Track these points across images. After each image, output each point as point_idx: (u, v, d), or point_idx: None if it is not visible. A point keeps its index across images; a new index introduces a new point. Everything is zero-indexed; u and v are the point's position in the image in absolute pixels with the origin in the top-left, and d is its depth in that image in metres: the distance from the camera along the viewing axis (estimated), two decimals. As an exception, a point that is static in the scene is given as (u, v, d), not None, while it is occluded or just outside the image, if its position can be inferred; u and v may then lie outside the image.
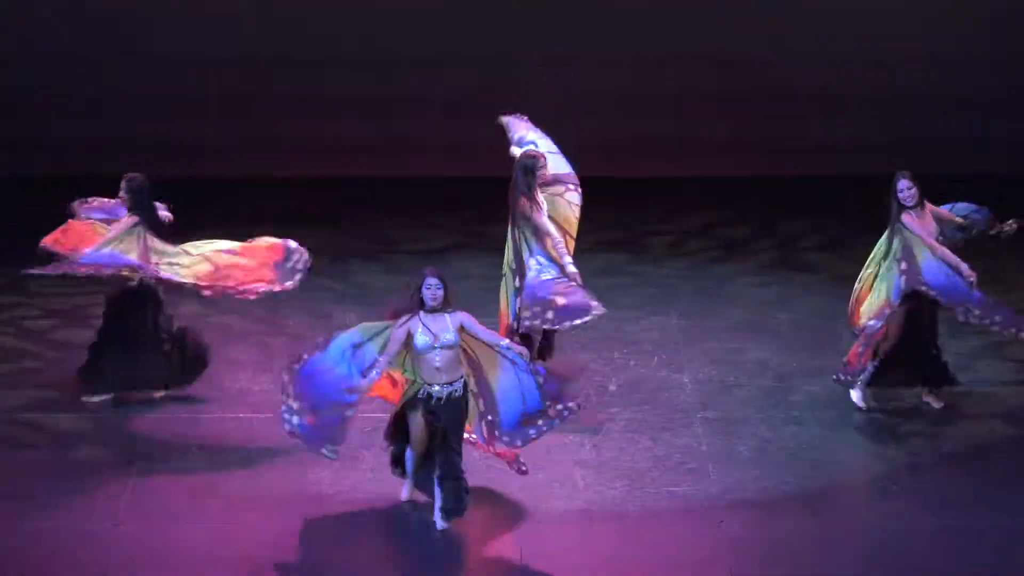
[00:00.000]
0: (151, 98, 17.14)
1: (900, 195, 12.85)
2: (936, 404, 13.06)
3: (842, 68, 17.23)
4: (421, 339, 11.07)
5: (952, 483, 12.00)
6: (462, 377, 11.20)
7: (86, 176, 16.48)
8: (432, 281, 11.11)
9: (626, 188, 16.08)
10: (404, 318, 11.13)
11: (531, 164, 12.87)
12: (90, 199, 13.07)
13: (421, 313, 11.10)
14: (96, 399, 12.97)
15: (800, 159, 17.13)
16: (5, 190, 16.86)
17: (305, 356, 11.21)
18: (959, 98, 17.35)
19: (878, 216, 16.29)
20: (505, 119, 13.49)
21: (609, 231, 15.74)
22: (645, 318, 14.22)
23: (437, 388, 11.14)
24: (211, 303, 14.44)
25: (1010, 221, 13.08)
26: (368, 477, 11.98)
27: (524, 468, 11.48)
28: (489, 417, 11.31)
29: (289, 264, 12.89)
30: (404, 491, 11.63)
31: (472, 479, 11.69)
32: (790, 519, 11.57)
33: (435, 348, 11.05)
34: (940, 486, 11.98)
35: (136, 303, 12.89)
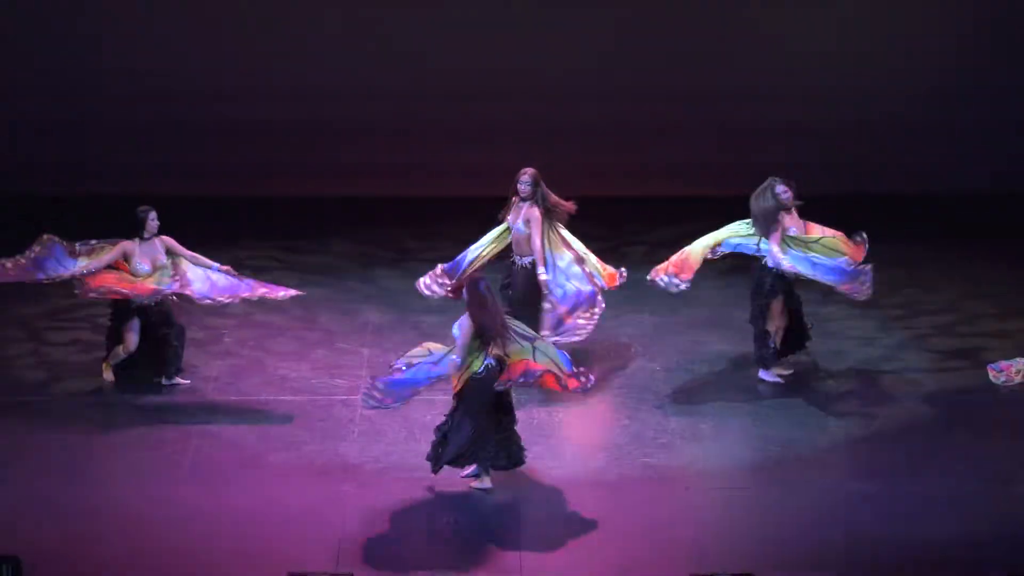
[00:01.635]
0: (208, 126, 17.16)
1: (780, 197, 13.01)
2: (786, 372, 13.25)
3: (794, 104, 17.24)
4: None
5: (881, 455, 12.06)
6: None
7: (145, 195, 16.82)
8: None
9: (608, 206, 16.11)
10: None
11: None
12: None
13: None
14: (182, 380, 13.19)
15: (754, 181, 17.23)
16: (77, 207, 16.95)
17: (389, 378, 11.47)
18: (898, 127, 17.38)
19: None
20: None
21: (593, 242, 15.77)
22: (623, 316, 14.25)
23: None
24: (256, 304, 14.56)
25: None
26: (388, 450, 12.12)
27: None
28: None
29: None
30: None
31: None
32: (744, 484, 11.69)
33: None
34: (871, 458, 12.02)
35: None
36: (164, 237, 13.07)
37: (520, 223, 13.07)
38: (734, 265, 15.52)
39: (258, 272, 15.23)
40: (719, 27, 17.30)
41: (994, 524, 11.09)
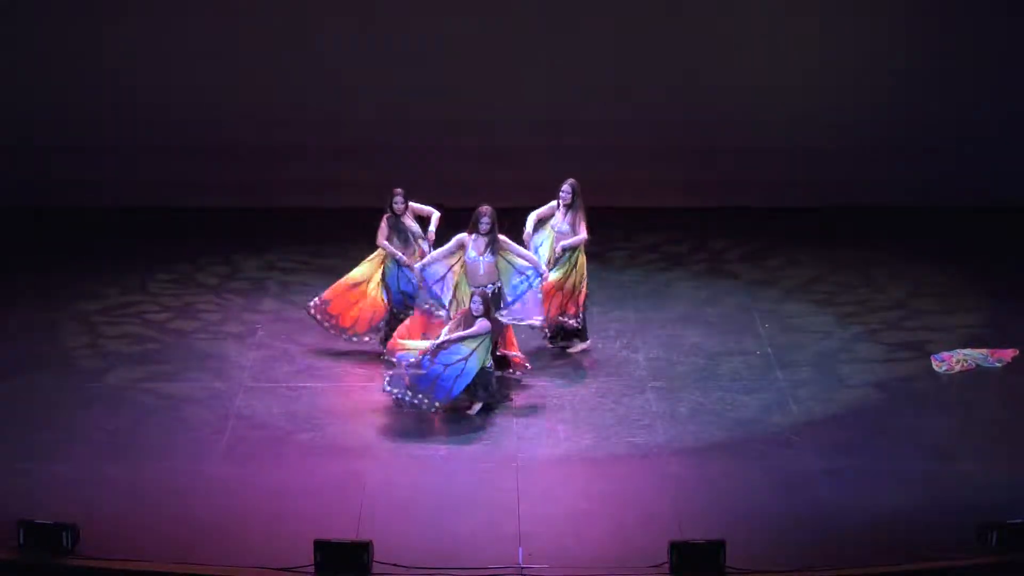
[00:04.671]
0: (248, 150, 16.98)
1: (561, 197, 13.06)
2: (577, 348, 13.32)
3: (757, 127, 17.19)
4: None
5: (837, 434, 11.99)
6: None
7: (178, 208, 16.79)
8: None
9: (595, 216, 16.03)
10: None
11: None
12: None
13: None
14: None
15: (724, 194, 17.16)
16: (135, 219, 16.92)
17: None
18: (834, 150, 17.22)
19: (782, 236, 16.50)
20: None
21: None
22: (609, 312, 14.18)
23: None
24: (288, 302, 14.46)
25: None
26: (402, 431, 12.05)
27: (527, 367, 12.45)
28: None
29: None
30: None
31: (478, 434, 11.95)
32: (718, 461, 11.63)
33: None
34: (829, 437, 11.94)
35: None
36: (412, 205, 13.09)
37: (485, 256, 12.78)
38: (705, 268, 15.48)
39: (287, 272, 15.20)
40: (692, 55, 17.19)
41: (937, 494, 11.07)
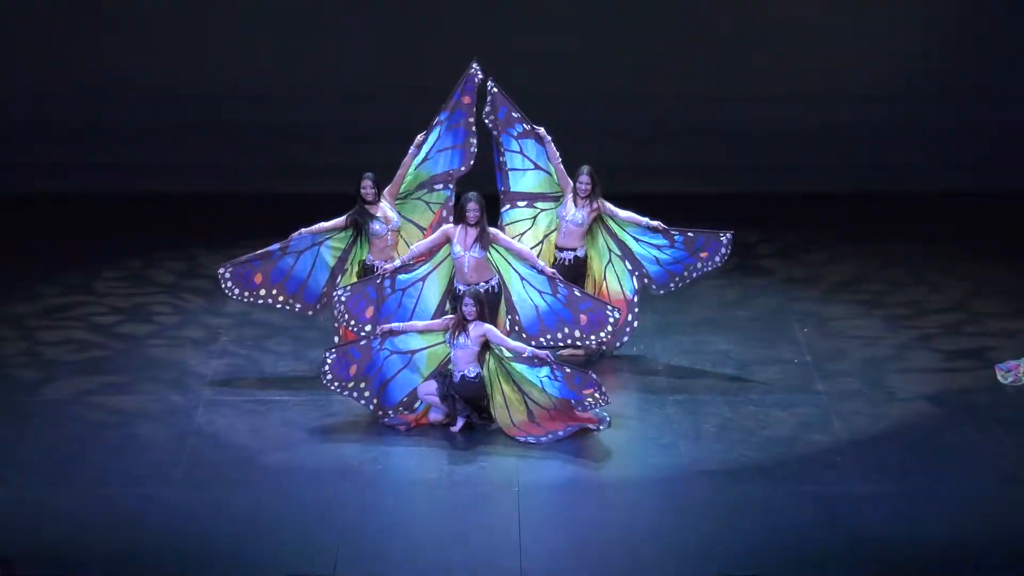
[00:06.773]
0: (228, 129, 17.23)
1: (578, 186, 13.05)
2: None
3: (787, 106, 17.22)
4: None
5: (886, 455, 11.87)
6: None
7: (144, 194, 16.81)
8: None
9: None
10: None
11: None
12: None
13: None
14: None
15: (754, 179, 17.15)
16: (77, 207, 16.86)
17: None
18: (901, 127, 17.36)
19: (822, 227, 16.49)
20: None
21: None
22: (624, 315, 14.12)
23: None
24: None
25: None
26: (387, 451, 12.00)
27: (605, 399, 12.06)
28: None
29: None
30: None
31: (472, 454, 11.93)
32: (748, 486, 11.49)
33: None
34: (876, 457, 11.85)
35: None
36: (384, 195, 13.08)
37: (472, 251, 12.73)
38: (734, 264, 15.39)
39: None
40: (713, 31, 17.32)
41: (999, 521, 11.02)
